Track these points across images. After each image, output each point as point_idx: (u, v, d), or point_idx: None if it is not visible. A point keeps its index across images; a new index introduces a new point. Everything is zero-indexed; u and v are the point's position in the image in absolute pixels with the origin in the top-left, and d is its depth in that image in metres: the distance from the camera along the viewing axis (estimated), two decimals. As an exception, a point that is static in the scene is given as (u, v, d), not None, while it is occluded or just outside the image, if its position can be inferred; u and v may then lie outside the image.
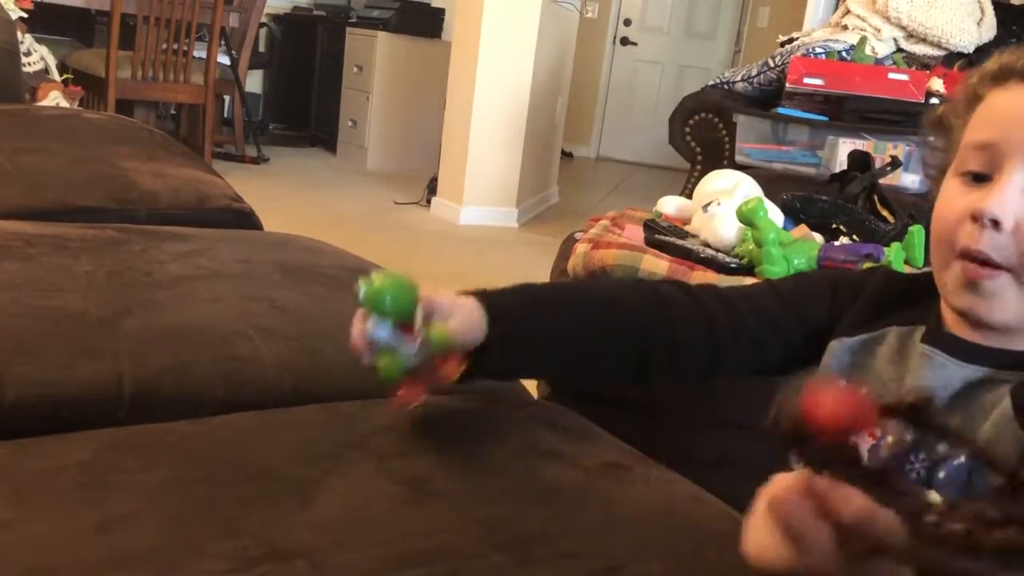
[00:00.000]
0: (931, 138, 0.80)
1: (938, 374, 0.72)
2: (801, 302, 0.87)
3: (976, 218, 0.67)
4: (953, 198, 0.71)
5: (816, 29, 3.57)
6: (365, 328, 0.71)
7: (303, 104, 6.19)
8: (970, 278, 0.68)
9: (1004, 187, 0.67)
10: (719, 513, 0.70)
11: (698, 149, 3.13)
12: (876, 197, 2.01)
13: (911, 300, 0.80)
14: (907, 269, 1.63)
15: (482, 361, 0.76)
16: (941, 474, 0.68)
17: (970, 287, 0.69)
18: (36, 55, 3.14)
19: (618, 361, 0.84)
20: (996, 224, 0.66)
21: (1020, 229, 0.66)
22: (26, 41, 3.05)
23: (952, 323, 0.74)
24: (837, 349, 0.81)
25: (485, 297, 0.78)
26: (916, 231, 1.71)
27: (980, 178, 0.69)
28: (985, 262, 0.67)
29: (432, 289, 0.75)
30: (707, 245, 1.74)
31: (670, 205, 2.03)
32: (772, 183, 2.05)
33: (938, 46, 3.06)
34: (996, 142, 0.68)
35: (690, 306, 0.86)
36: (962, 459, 0.67)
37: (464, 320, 0.74)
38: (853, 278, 0.89)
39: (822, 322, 0.84)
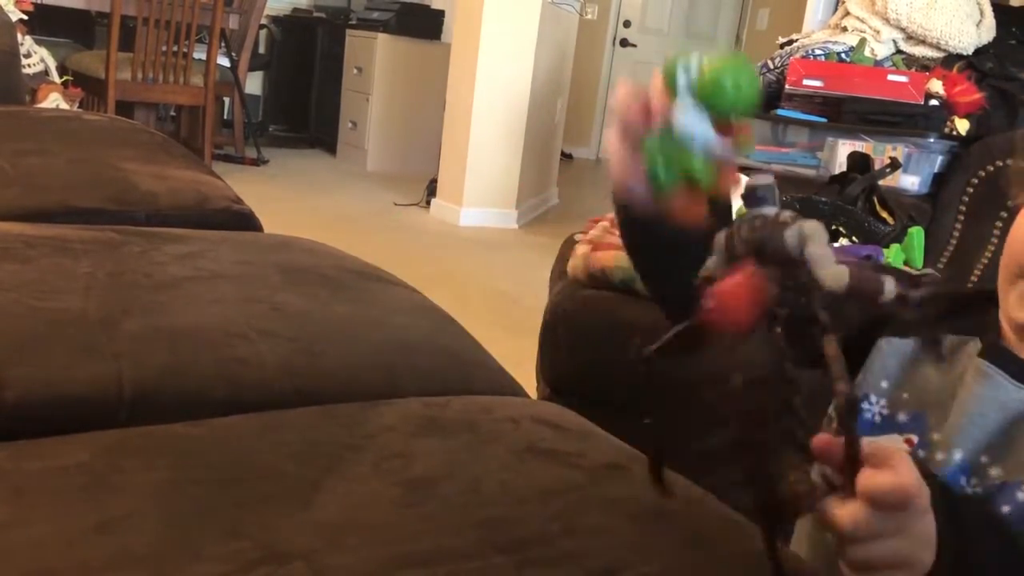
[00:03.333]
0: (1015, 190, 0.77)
1: (994, 394, 0.70)
2: None
3: None
4: None
5: (815, 31, 3.57)
6: (679, 118, 0.57)
7: (303, 106, 6.19)
8: None
9: None
10: (718, 513, 0.70)
11: (698, 150, 3.13)
12: (876, 199, 2.01)
13: (960, 311, 0.78)
14: (907, 270, 1.63)
15: None
16: (1005, 508, 0.66)
17: None
18: (36, 57, 3.14)
19: None
20: None
21: None
22: (26, 43, 3.05)
23: (1010, 342, 0.72)
24: (885, 349, 0.78)
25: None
26: (916, 233, 1.72)
27: None
28: None
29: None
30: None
31: (670, 206, 2.03)
32: (772, 184, 2.05)
33: (937, 48, 3.06)
34: None
35: None
36: (1022, 492, 0.65)
37: None
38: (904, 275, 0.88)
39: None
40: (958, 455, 0.70)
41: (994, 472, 0.67)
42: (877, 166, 2.16)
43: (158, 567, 0.56)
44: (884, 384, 0.77)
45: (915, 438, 0.73)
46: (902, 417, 0.76)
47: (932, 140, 2.65)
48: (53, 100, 2.96)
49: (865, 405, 0.78)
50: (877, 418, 0.77)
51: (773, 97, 3.03)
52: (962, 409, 0.71)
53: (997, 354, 0.72)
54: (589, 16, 6.92)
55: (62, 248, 1.09)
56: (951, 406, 0.72)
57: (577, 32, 5.18)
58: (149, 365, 0.83)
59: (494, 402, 0.87)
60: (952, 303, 0.77)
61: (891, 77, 2.74)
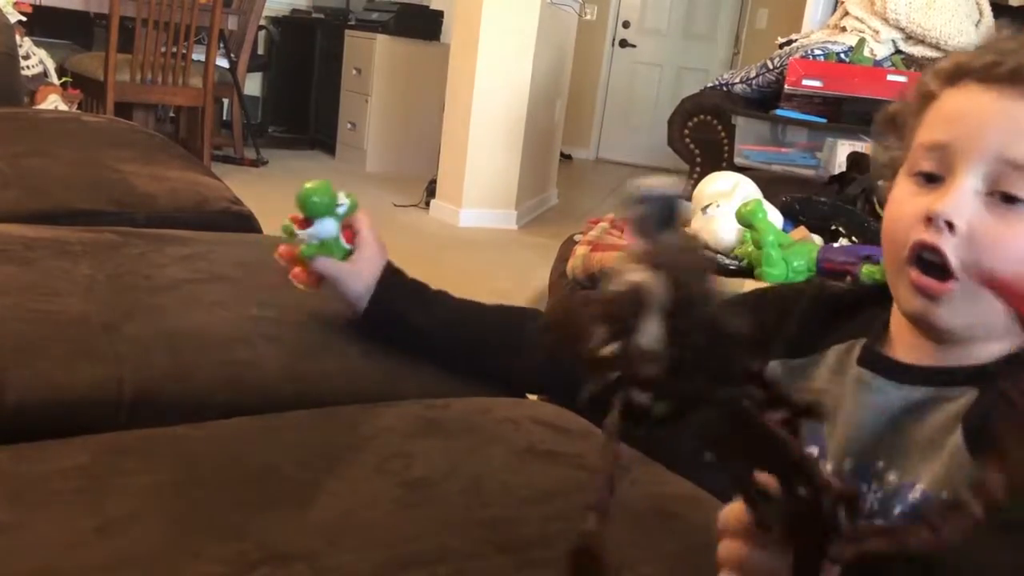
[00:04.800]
0: (883, 137, 0.77)
1: (874, 399, 0.70)
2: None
3: (930, 219, 0.65)
4: (905, 199, 0.69)
5: (815, 31, 3.57)
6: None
7: (302, 107, 6.18)
8: (922, 289, 0.66)
9: (958, 189, 0.65)
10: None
11: (697, 151, 3.14)
12: (875, 199, 2.01)
13: (852, 312, 0.78)
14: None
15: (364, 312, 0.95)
16: (897, 509, 0.66)
17: (921, 291, 0.67)
18: (35, 59, 3.14)
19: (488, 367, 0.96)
20: (951, 226, 0.64)
21: (974, 232, 0.64)
22: (25, 45, 3.05)
23: (899, 332, 0.72)
24: (777, 370, 0.77)
25: (387, 286, 0.95)
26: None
27: (932, 179, 0.67)
28: (939, 267, 0.65)
29: (377, 237, 0.97)
30: (706, 247, 1.74)
31: (669, 207, 2.03)
32: (771, 185, 2.05)
33: (936, 47, 3.06)
34: (949, 143, 0.66)
35: None
36: (916, 493, 0.65)
37: (348, 268, 0.94)
38: (781, 291, 0.87)
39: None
40: (848, 464, 0.70)
41: (891, 477, 0.67)
42: (876, 166, 2.16)
43: (158, 569, 0.56)
44: None
45: (815, 449, 0.72)
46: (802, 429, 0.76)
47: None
48: (52, 102, 2.96)
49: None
50: None
51: (772, 97, 3.03)
52: (848, 419, 0.71)
53: (873, 359, 0.72)
54: (588, 17, 6.92)
55: (61, 250, 1.09)
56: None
57: (576, 33, 5.18)
58: (149, 367, 0.83)
59: (494, 403, 0.88)
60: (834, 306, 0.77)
61: (890, 77, 2.74)
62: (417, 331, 0.95)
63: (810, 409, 0.41)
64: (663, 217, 0.37)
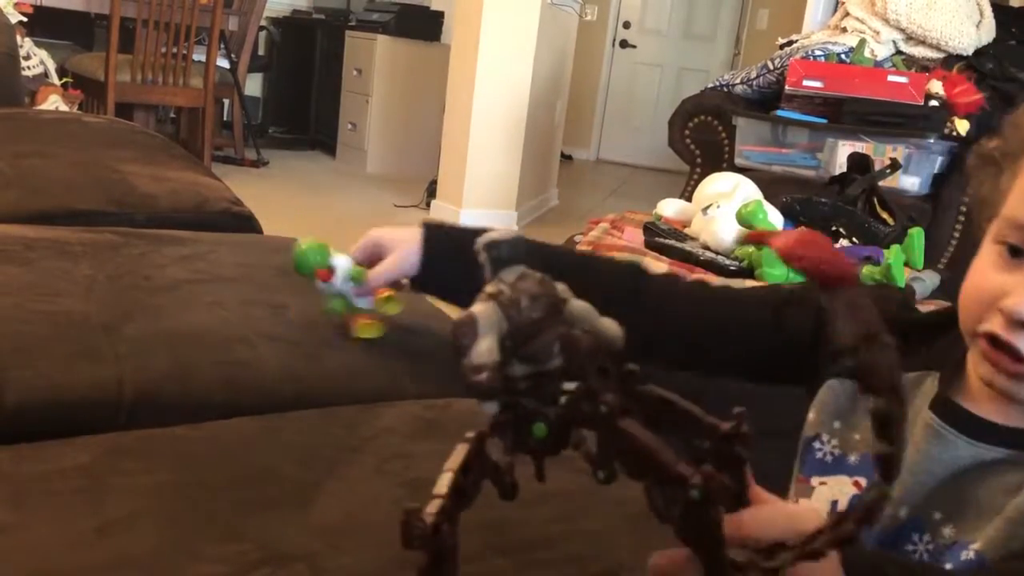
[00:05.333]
0: (980, 172, 0.73)
1: (943, 452, 0.68)
2: (785, 308, 0.83)
3: (1006, 314, 0.63)
4: (987, 271, 0.66)
5: (815, 31, 3.57)
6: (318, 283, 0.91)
7: (302, 107, 6.19)
8: (993, 363, 0.64)
9: None
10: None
11: (697, 152, 3.14)
12: (876, 199, 2.01)
13: (925, 338, 0.75)
14: (907, 272, 1.63)
15: (419, 285, 0.92)
16: (947, 564, 0.65)
17: (992, 363, 0.65)
18: (35, 59, 3.14)
19: None
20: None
21: None
22: (25, 45, 3.05)
23: (975, 377, 0.69)
24: (837, 389, 0.76)
25: (430, 234, 0.90)
26: (916, 234, 1.71)
27: (1018, 252, 0.65)
28: (1014, 356, 0.63)
29: (389, 228, 0.93)
30: (707, 248, 1.74)
31: (670, 208, 2.03)
32: (772, 185, 2.06)
33: (937, 48, 3.06)
34: None
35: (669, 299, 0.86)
36: (970, 553, 0.64)
37: (398, 258, 0.90)
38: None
39: (802, 336, 0.80)
40: (904, 511, 0.68)
41: (947, 531, 0.66)
42: (877, 167, 2.16)
43: (158, 569, 0.55)
44: (836, 424, 0.76)
45: (864, 481, 0.72)
46: (852, 459, 0.74)
47: (932, 141, 2.65)
48: (53, 102, 2.96)
49: (816, 444, 0.77)
50: (828, 458, 0.76)
51: (773, 98, 3.03)
52: (911, 466, 0.69)
53: (949, 411, 0.69)
54: (589, 17, 6.92)
55: (62, 250, 1.09)
56: None
57: (577, 33, 5.19)
58: (149, 368, 0.83)
59: (495, 404, 0.87)
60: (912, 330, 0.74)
61: (891, 78, 2.74)
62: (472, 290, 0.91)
63: (734, 435, 0.43)
64: (503, 259, 0.44)
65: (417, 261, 0.90)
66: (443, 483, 0.44)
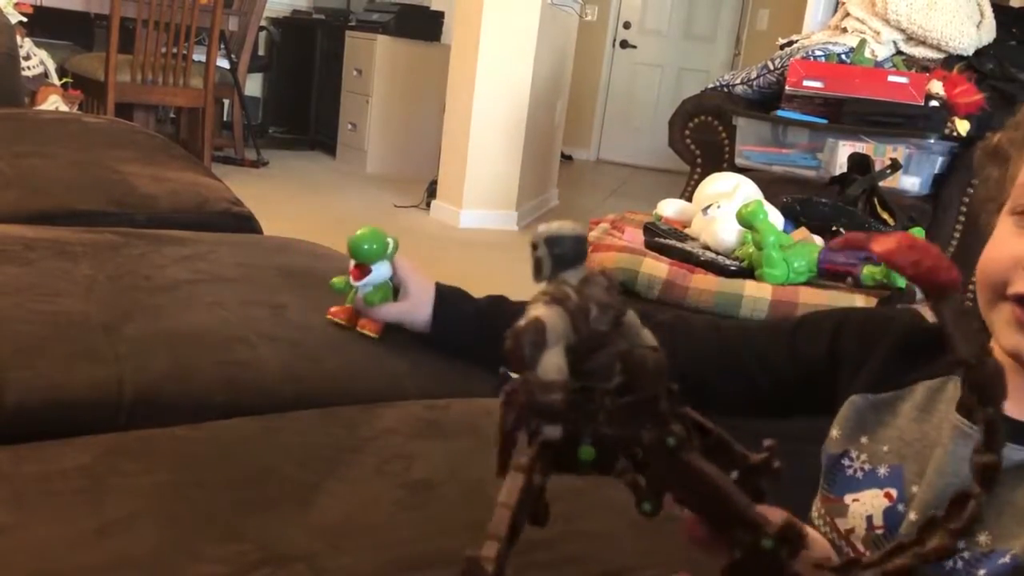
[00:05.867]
0: (985, 168, 0.73)
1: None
2: (796, 337, 0.82)
3: None
4: (1006, 240, 0.67)
5: (815, 31, 3.57)
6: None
7: (303, 107, 6.19)
8: (1021, 320, 0.64)
9: None
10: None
11: (698, 152, 3.13)
12: (876, 199, 2.01)
13: (944, 345, 0.76)
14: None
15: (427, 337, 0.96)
16: (982, 572, 0.64)
17: (1022, 327, 0.65)
18: (35, 59, 3.14)
19: None
20: None
21: None
22: (25, 45, 3.05)
23: (1003, 355, 0.68)
24: (860, 404, 0.76)
25: (443, 300, 0.94)
26: (916, 234, 1.71)
27: None
28: None
29: (416, 267, 0.97)
30: (707, 248, 1.74)
31: (670, 208, 2.03)
32: (772, 186, 2.06)
33: (937, 48, 3.06)
34: None
35: (682, 337, 0.85)
36: (1007, 558, 0.63)
37: (411, 308, 0.95)
38: (868, 319, 0.83)
39: (817, 361, 0.80)
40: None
41: (983, 538, 0.65)
42: (877, 167, 2.16)
43: (158, 569, 0.55)
44: (864, 439, 0.76)
45: (894, 492, 0.71)
46: (882, 471, 0.74)
47: (932, 141, 2.65)
48: (53, 102, 2.96)
49: (845, 462, 0.76)
50: (859, 474, 0.75)
51: (773, 98, 3.03)
52: (940, 468, 0.68)
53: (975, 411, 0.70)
54: (589, 17, 6.92)
55: (62, 251, 1.09)
56: (929, 456, 0.70)
57: (577, 33, 5.19)
58: (149, 368, 0.83)
59: (495, 404, 0.87)
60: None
61: (891, 78, 2.73)
62: (480, 355, 0.95)
63: (762, 467, 0.41)
64: (568, 257, 0.39)
65: (427, 321, 0.95)
66: (501, 523, 0.39)
